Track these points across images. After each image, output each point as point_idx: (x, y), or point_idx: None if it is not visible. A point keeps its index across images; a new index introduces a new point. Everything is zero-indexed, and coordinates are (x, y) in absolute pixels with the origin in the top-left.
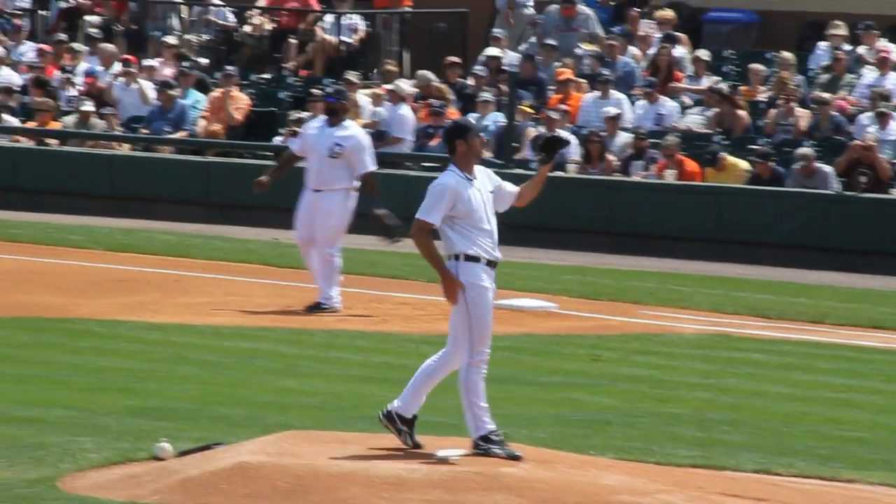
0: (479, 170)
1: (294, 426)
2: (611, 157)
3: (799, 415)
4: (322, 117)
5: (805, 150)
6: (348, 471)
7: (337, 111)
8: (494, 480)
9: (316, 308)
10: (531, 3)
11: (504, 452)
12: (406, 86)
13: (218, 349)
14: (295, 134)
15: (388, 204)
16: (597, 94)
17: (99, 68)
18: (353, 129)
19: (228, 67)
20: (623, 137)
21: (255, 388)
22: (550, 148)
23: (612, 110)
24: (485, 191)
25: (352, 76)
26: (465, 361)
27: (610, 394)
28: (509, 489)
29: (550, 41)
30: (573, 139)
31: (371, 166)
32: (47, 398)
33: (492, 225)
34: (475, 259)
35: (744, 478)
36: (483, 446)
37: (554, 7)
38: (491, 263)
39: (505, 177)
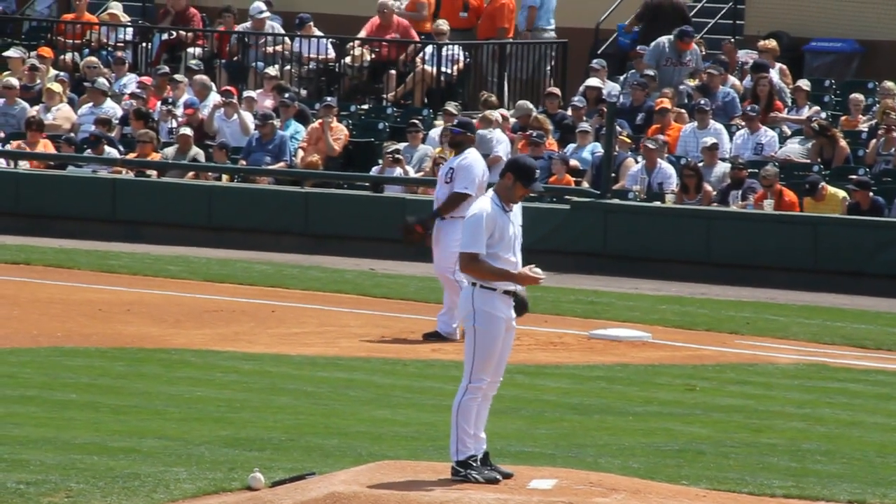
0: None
1: (387, 456)
2: (708, 187)
3: (895, 445)
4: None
5: None
6: (441, 501)
7: (461, 143)
8: None
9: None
10: (552, 28)
11: (483, 477)
12: (496, 115)
13: (313, 379)
14: (397, 162)
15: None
16: (694, 124)
17: (199, 99)
18: (470, 156)
19: (328, 98)
20: (721, 167)
21: (349, 418)
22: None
23: (710, 140)
24: (517, 224)
25: (451, 107)
26: (462, 385)
27: (704, 424)
28: None
29: (650, 72)
30: (672, 170)
31: (463, 189)
32: (143, 428)
33: (517, 257)
34: (491, 289)
35: None
36: (462, 472)
37: (664, 39)
38: (508, 293)
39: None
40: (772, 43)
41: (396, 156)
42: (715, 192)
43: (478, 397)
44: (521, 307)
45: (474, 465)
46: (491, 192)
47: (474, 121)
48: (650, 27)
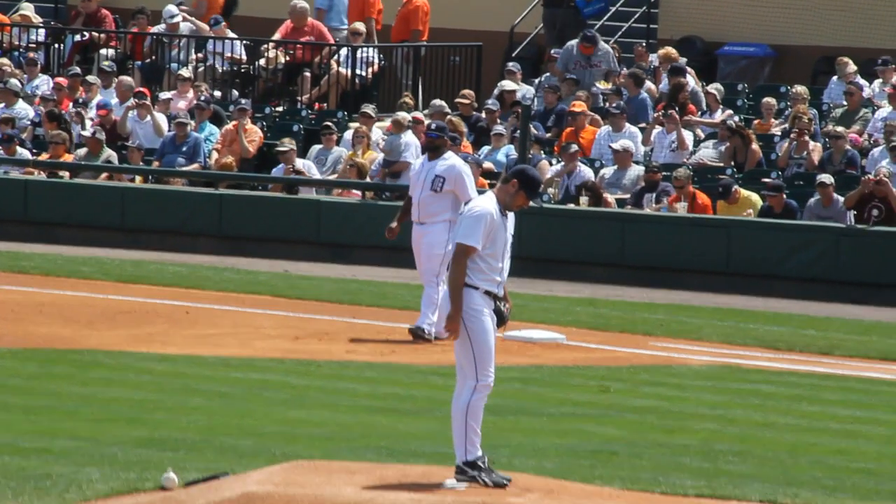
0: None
1: (301, 456)
2: (610, 198)
3: (806, 446)
4: (424, 154)
5: (825, 176)
6: (354, 501)
7: (438, 147)
8: None
9: (418, 332)
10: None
11: (490, 480)
12: (408, 117)
13: (227, 380)
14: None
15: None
16: (609, 127)
17: (114, 101)
18: (452, 160)
19: (242, 100)
20: (635, 170)
21: (263, 418)
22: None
23: (619, 146)
24: (509, 231)
25: (369, 109)
26: (470, 385)
27: (618, 425)
28: None
29: (571, 75)
30: (591, 173)
31: (473, 195)
32: (55, 429)
33: (504, 264)
34: (474, 287)
35: None
36: (470, 473)
37: (572, 43)
38: (489, 293)
39: (518, 210)
40: (673, 51)
41: (286, 147)
42: (629, 196)
43: (484, 396)
44: (499, 319)
45: (483, 466)
46: (491, 193)
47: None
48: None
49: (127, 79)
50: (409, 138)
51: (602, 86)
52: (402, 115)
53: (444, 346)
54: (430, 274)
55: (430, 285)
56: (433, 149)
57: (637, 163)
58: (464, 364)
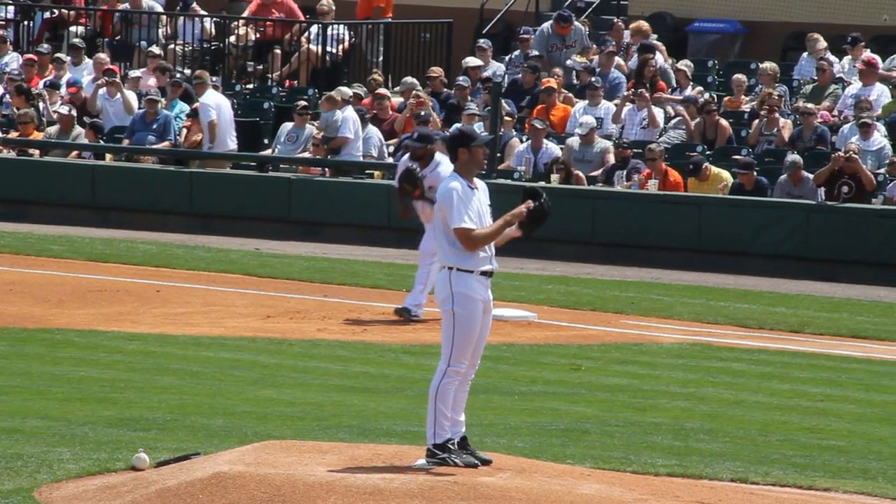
0: (478, 182)
1: (273, 436)
2: (579, 173)
3: (776, 424)
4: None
5: (794, 156)
6: (326, 480)
7: (422, 157)
8: (472, 490)
9: (404, 313)
10: None
11: (461, 461)
12: (348, 92)
13: (197, 359)
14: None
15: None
16: (585, 102)
17: (87, 77)
18: (442, 166)
19: (213, 78)
20: (601, 144)
21: (235, 398)
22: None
23: (582, 129)
24: (484, 202)
25: (355, 88)
26: (441, 368)
27: (589, 403)
28: (487, 498)
29: (536, 52)
30: (558, 150)
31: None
32: (25, 409)
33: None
34: (468, 271)
35: (720, 486)
36: (440, 455)
37: (547, 25)
38: (485, 273)
39: (489, 188)
40: (644, 25)
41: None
42: (596, 173)
43: (456, 381)
44: (538, 215)
45: (452, 448)
46: (452, 172)
47: (432, 131)
48: None
49: (103, 56)
50: (348, 113)
51: (578, 59)
52: (335, 92)
53: (416, 326)
54: (429, 254)
55: (425, 264)
56: (419, 159)
57: (607, 137)
58: (442, 345)
